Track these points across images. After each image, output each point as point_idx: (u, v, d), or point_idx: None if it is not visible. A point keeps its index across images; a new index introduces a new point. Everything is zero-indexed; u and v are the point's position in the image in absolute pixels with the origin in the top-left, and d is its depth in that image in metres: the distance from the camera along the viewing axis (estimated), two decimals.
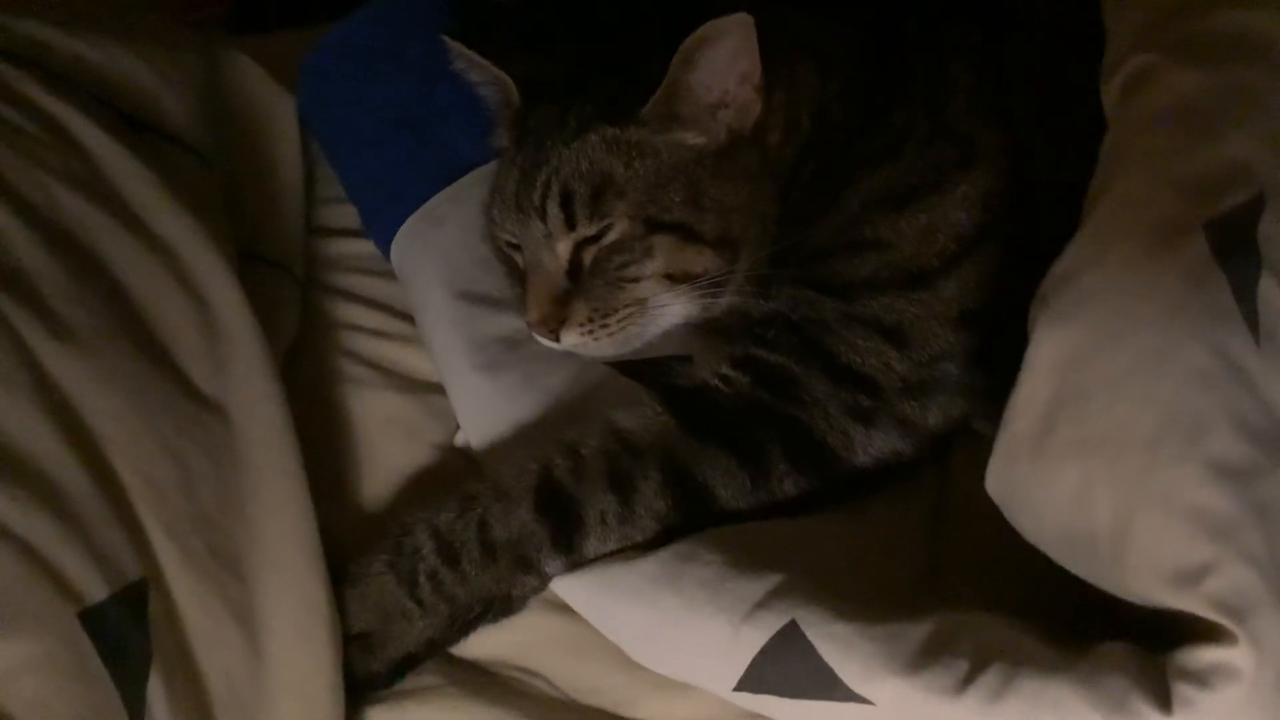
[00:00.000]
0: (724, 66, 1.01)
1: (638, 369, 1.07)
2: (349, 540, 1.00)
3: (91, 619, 0.77)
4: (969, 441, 1.01)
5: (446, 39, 1.14)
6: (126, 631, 0.78)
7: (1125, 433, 0.74)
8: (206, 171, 1.10)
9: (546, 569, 0.93)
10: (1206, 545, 0.70)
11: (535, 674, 0.94)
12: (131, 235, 0.94)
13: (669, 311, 1.05)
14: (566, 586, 0.94)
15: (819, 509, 0.97)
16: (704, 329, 1.08)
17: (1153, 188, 0.79)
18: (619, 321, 1.04)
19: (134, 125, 1.06)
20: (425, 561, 0.93)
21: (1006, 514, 0.85)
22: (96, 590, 0.78)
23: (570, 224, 1.02)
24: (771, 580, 0.86)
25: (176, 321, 0.93)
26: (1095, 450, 0.76)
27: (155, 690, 0.77)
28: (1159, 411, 0.73)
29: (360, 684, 0.91)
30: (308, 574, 0.88)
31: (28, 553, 0.76)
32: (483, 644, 0.95)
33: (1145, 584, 0.73)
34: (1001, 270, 0.98)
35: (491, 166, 1.17)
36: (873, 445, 0.98)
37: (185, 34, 1.23)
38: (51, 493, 0.79)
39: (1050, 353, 0.79)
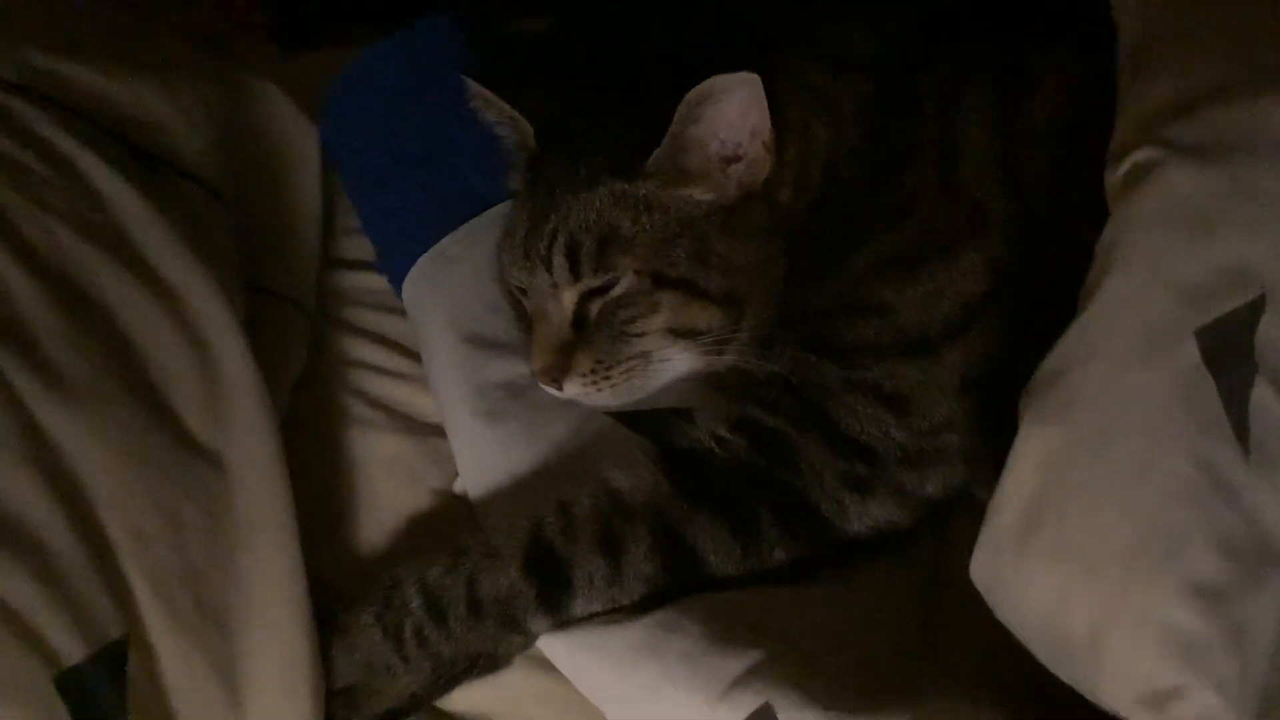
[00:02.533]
0: (730, 122, 1.00)
1: (639, 420, 1.07)
2: (343, 582, 1.01)
3: (68, 681, 0.78)
4: (970, 508, 0.99)
5: (465, 77, 1.14)
6: (102, 692, 0.79)
7: (1103, 543, 0.73)
8: (219, 207, 1.10)
9: (532, 628, 0.94)
10: (1177, 668, 0.69)
11: None
12: (136, 280, 0.95)
13: (672, 365, 1.05)
14: (552, 645, 0.94)
15: (811, 575, 0.97)
16: (708, 381, 1.08)
17: (1146, 290, 0.77)
18: (622, 374, 1.04)
19: (148, 161, 1.06)
20: (412, 617, 0.93)
21: (989, 603, 0.84)
22: (75, 651, 0.79)
23: (576, 275, 1.02)
24: (750, 658, 0.86)
25: (176, 369, 0.93)
26: (1074, 557, 0.74)
27: None
28: (1138, 524, 0.72)
29: None
30: (293, 628, 0.89)
31: (6, 615, 0.77)
32: (466, 697, 0.96)
33: (1116, 699, 0.72)
34: (1007, 339, 0.96)
35: (506, 206, 1.17)
36: (868, 515, 0.97)
37: (210, 61, 1.23)
38: (35, 553, 0.80)
39: (1035, 451, 0.78)
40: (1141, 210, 0.79)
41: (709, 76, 0.97)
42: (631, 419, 1.07)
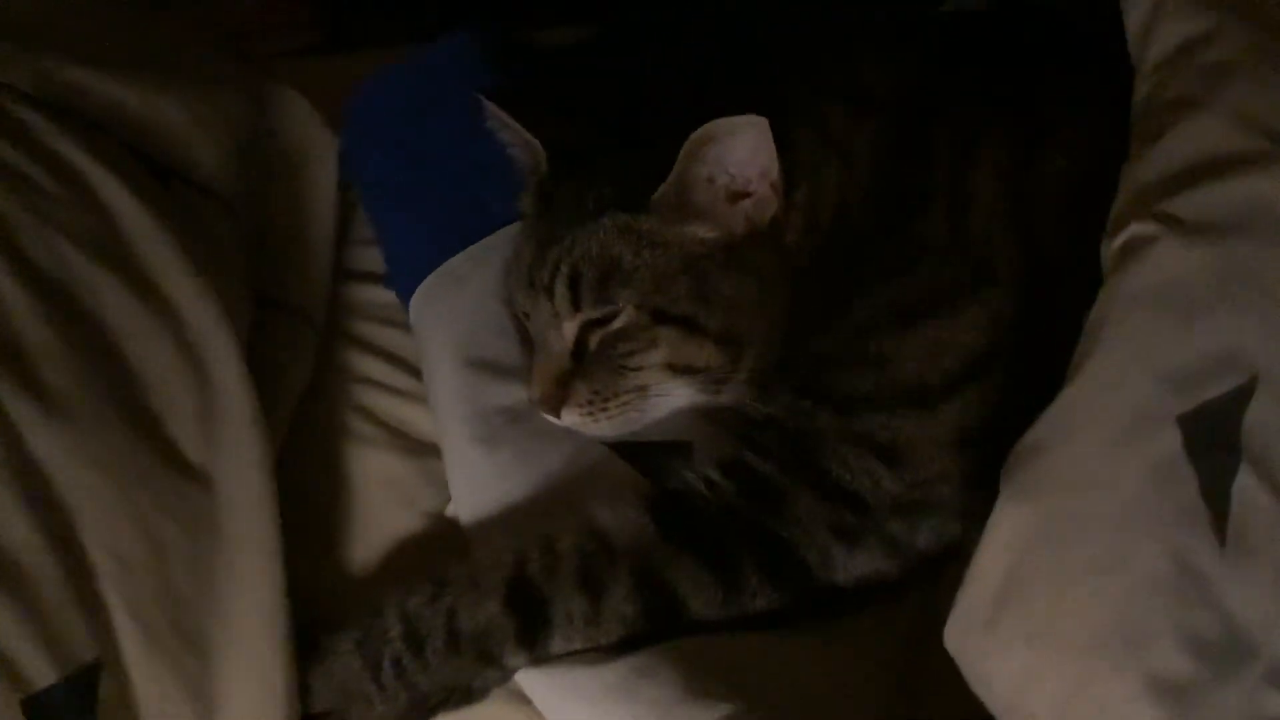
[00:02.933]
0: (738, 160, 0.99)
1: (636, 452, 1.07)
2: (329, 603, 1.02)
3: (36, 704, 0.79)
4: (963, 561, 0.98)
5: (481, 96, 1.14)
6: (71, 716, 0.80)
7: (1070, 631, 0.72)
8: (231, 221, 1.11)
9: (509, 663, 0.94)
10: None
11: None
12: (138, 299, 0.95)
13: (669, 400, 1.04)
14: (529, 680, 0.94)
15: (795, 622, 0.96)
16: (707, 415, 1.07)
17: (1129, 373, 0.75)
18: (619, 406, 1.03)
19: (163, 175, 1.07)
20: (391, 646, 0.94)
21: (961, 669, 0.82)
22: (45, 675, 0.80)
23: (576, 306, 1.01)
24: (720, 710, 0.86)
25: (172, 389, 0.94)
26: (1040, 642, 0.73)
27: None
28: (1105, 615, 0.71)
29: None
30: (269, 654, 0.90)
31: None
32: None
33: None
34: (1009, 396, 0.95)
35: (517, 227, 1.17)
36: (854, 565, 0.96)
37: (235, 69, 1.24)
38: (11, 575, 0.81)
39: (1009, 529, 0.77)
40: (1132, 288, 0.78)
41: (722, 110, 0.96)
42: (629, 450, 1.07)
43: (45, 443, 0.86)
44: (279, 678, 0.90)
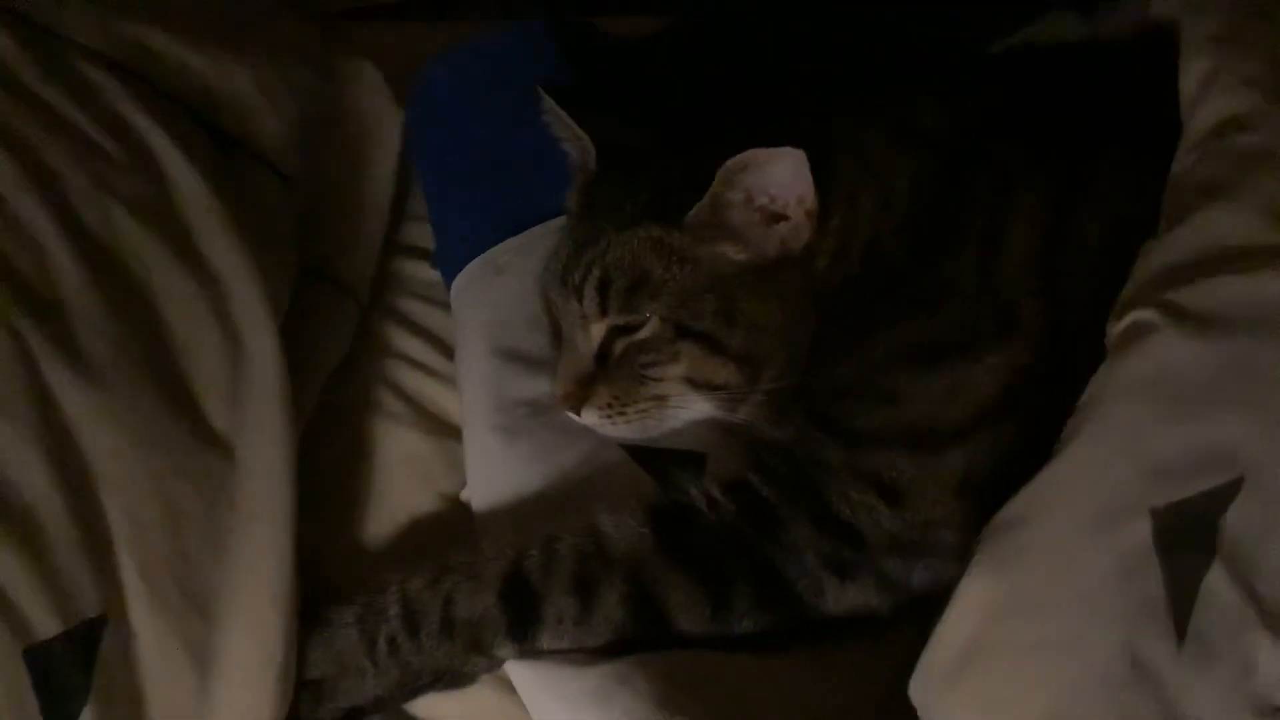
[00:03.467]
0: (778, 182, 0.99)
1: (651, 457, 1.09)
2: (340, 572, 1.06)
3: (37, 655, 0.83)
4: None
5: (540, 88, 1.15)
6: (70, 668, 0.84)
7: (1020, 709, 0.72)
8: (288, 193, 1.15)
9: (498, 653, 0.97)
10: None
11: None
12: (183, 267, 0.99)
13: (687, 412, 1.06)
14: (516, 671, 0.97)
15: (780, 645, 0.98)
16: (725, 428, 1.08)
17: (1111, 459, 0.75)
18: (637, 413, 1.05)
19: (225, 143, 1.11)
20: (389, 624, 0.97)
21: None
22: (49, 627, 0.84)
23: (604, 311, 1.03)
24: None
25: (205, 357, 0.98)
26: (994, 713, 0.74)
27: None
28: (1053, 700, 0.71)
29: None
30: (272, 623, 0.93)
31: None
32: (430, 705, 1.00)
33: None
34: (1020, 447, 0.94)
35: (562, 222, 1.19)
36: (845, 598, 0.96)
37: (309, 39, 1.27)
38: (26, 526, 0.86)
39: (977, 597, 0.78)
40: (1128, 374, 0.77)
41: (767, 133, 0.97)
42: (645, 455, 1.09)
43: (75, 403, 0.90)
44: (278, 645, 0.93)
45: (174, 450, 0.94)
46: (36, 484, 0.87)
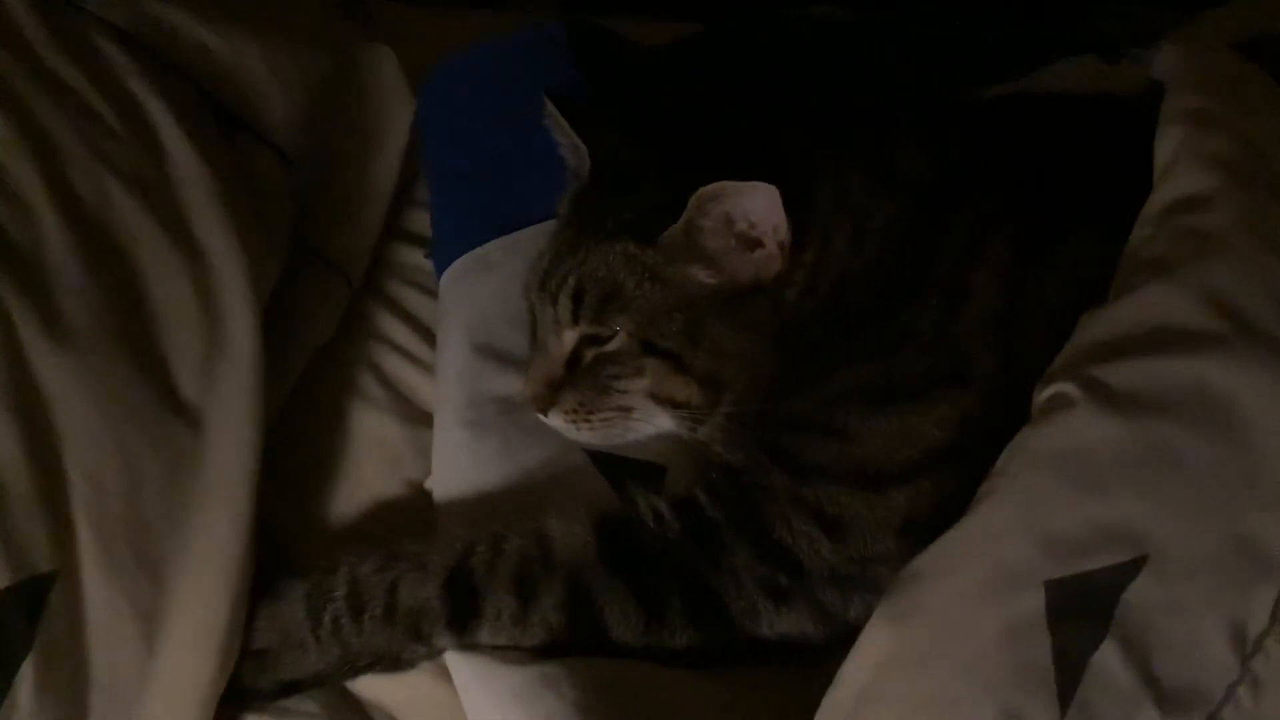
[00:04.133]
0: (756, 211, 1.01)
1: (613, 465, 1.11)
2: (297, 545, 1.11)
3: None
4: None
5: (545, 93, 1.18)
6: (14, 619, 0.87)
7: None
8: (288, 175, 1.18)
9: (437, 643, 1.00)
10: None
11: None
12: (170, 241, 1.02)
13: (650, 425, 1.09)
14: (454, 662, 0.99)
15: (712, 663, 1.00)
16: (689, 446, 1.11)
17: (1011, 529, 0.76)
18: (601, 421, 1.08)
19: (229, 123, 1.15)
20: (335, 604, 1.00)
21: None
22: None
23: (575, 319, 1.06)
24: None
25: (184, 330, 1.01)
26: None
27: (24, 678, 0.86)
28: None
29: (245, 694, 1.00)
30: (221, 593, 0.96)
31: None
32: (370, 684, 1.03)
33: None
34: (961, 493, 0.96)
35: (552, 225, 1.21)
36: (780, 624, 0.99)
37: (332, 23, 1.30)
38: None
39: (875, 646, 0.80)
40: (1040, 445, 0.78)
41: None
42: (607, 461, 1.11)
43: (47, 367, 0.93)
44: (225, 615, 0.97)
45: (142, 418, 0.97)
46: (1, 440, 0.91)
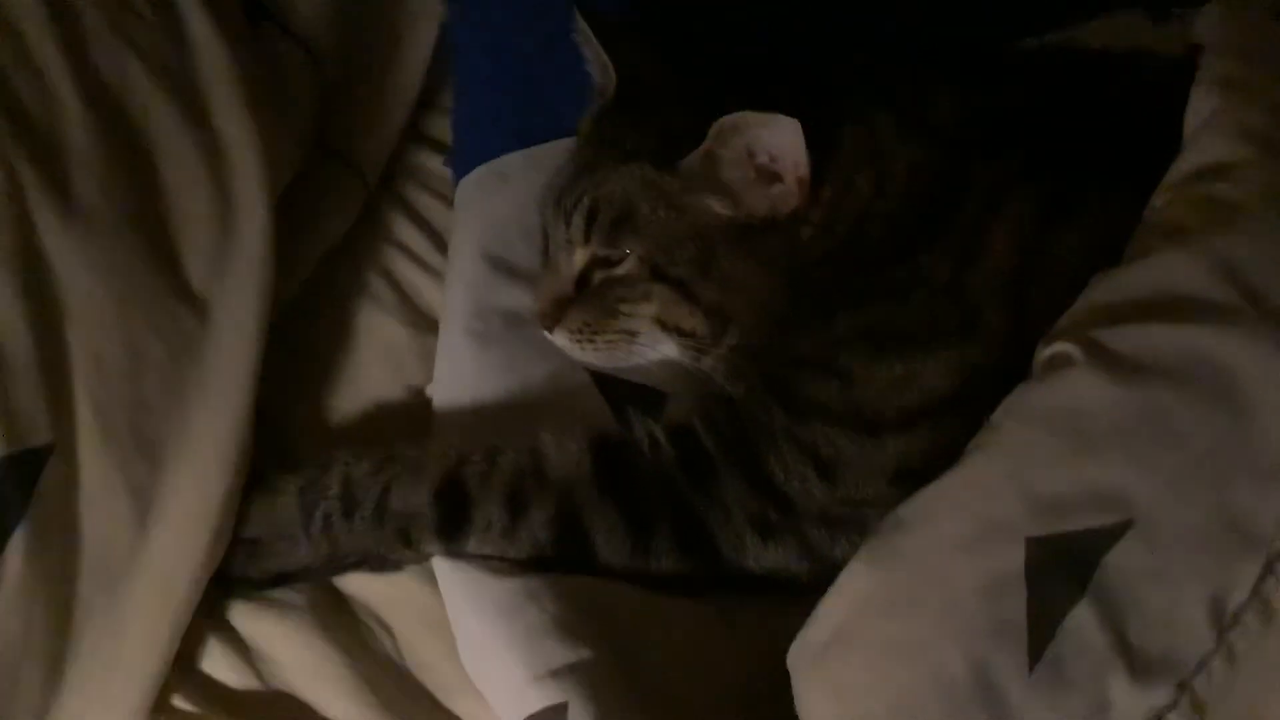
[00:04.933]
0: (772, 150, 1.00)
1: (614, 386, 1.12)
2: (296, 440, 1.12)
3: None
4: None
5: (576, 7, 1.16)
6: (8, 487, 0.88)
7: (866, 701, 0.75)
8: (312, 71, 1.17)
9: (425, 548, 1.01)
10: None
11: (387, 630, 1.03)
12: (189, 127, 1.02)
13: (654, 350, 1.09)
14: (441, 567, 1.01)
15: (697, 592, 1.01)
16: (690, 374, 1.11)
17: (999, 483, 0.76)
18: (606, 342, 1.09)
19: (257, 13, 1.14)
20: (327, 502, 1.01)
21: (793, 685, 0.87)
22: None
23: (587, 239, 1.06)
24: (579, 654, 0.91)
25: (195, 218, 1.01)
26: (846, 698, 0.77)
27: (14, 549, 0.88)
28: (898, 699, 0.74)
29: (233, 581, 1.02)
30: (217, 479, 0.97)
31: None
32: (357, 581, 1.04)
33: None
34: (957, 444, 0.96)
35: (572, 142, 1.20)
36: (766, 558, 0.99)
37: None
38: None
39: (854, 585, 0.80)
40: (1037, 402, 0.78)
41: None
42: (609, 383, 1.12)
43: (56, 242, 0.94)
44: (219, 500, 0.97)
45: (148, 301, 0.97)
46: (4, 311, 0.91)
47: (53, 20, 0.99)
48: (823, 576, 0.98)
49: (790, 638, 0.97)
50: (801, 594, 0.98)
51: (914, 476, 0.95)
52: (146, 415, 0.96)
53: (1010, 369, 0.95)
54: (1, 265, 0.92)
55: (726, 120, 0.97)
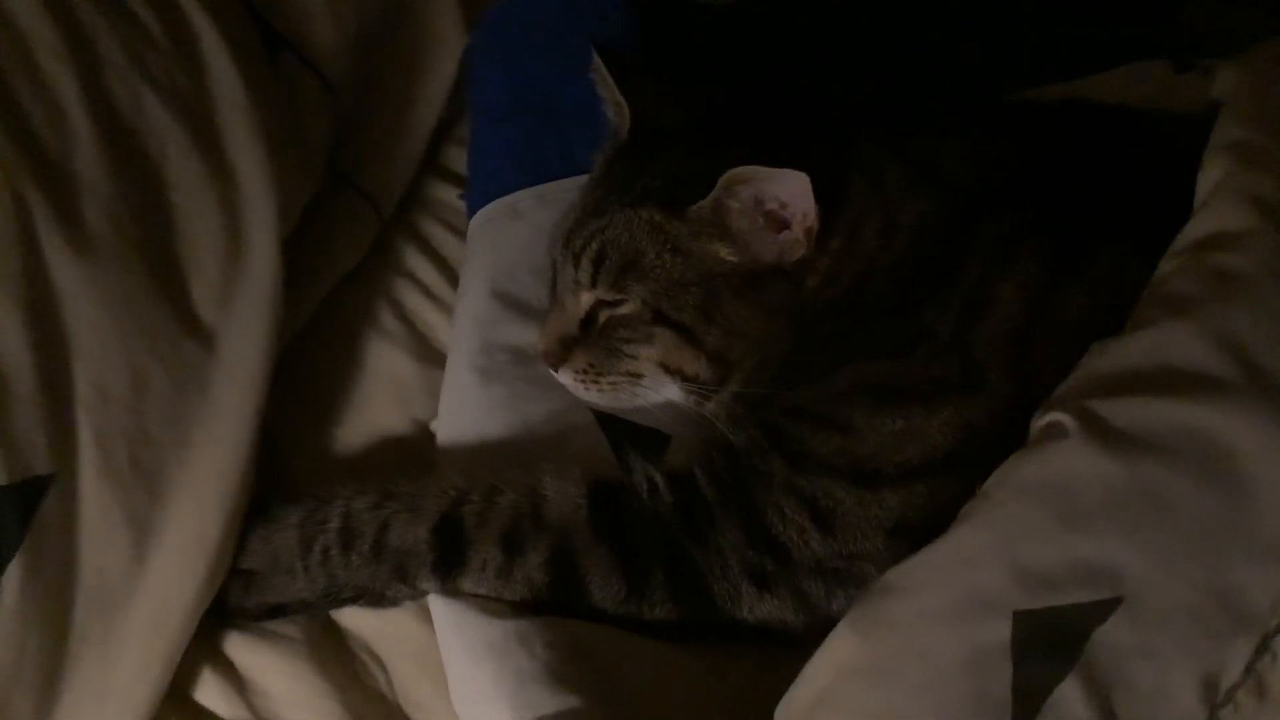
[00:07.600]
0: (782, 197, 1.00)
1: (618, 427, 1.11)
2: (298, 470, 1.12)
3: None
4: None
5: (593, 43, 1.16)
6: (6, 518, 0.89)
7: None
8: (329, 101, 1.18)
9: (420, 585, 1.01)
10: None
11: (381, 665, 1.03)
12: (202, 160, 1.03)
13: (656, 394, 1.09)
14: (435, 606, 1.01)
15: (689, 639, 1.00)
16: (695, 418, 1.11)
17: (987, 555, 0.76)
18: (609, 384, 1.09)
19: (275, 43, 1.14)
20: (326, 535, 1.02)
21: None
22: None
23: (594, 282, 1.06)
24: (566, 702, 0.91)
25: (205, 248, 1.02)
26: None
27: (11, 577, 0.88)
28: None
29: (230, 612, 1.03)
30: (215, 512, 0.98)
31: None
32: (353, 616, 1.04)
33: None
34: (956, 502, 0.95)
35: (585, 179, 1.20)
36: (761, 608, 0.99)
37: None
38: None
39: (839, 650, 0.80)
40: (1027, 473, 0.77)
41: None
42: (612, 423, 1.12)
43: (65, 272, 0.95)
44: (218, 532, 0.98)
45: (153, 331, 0.98)
46: (9, 340, 0.91)
47: (68, 47, 1.00)
48: (817, 629, 0.98)
49: (779, 694, 0.98)
50: (795, 645, 0.98)
51: (912, 532, 0.95)
52: (148, 446, 0.97)
53: (1012, 427, 0.95)
54: (8, 293, 0.92)
55: (735, 173, 0.97)
